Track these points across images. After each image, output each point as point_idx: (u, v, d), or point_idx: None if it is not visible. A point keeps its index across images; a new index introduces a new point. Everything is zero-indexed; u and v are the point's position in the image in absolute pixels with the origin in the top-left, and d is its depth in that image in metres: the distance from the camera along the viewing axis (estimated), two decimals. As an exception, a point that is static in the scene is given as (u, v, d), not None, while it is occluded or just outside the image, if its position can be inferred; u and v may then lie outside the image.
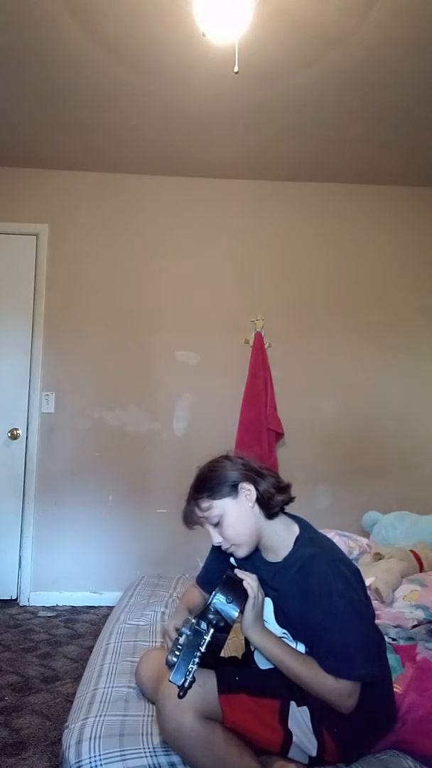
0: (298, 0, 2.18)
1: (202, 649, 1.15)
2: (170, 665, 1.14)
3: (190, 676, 1.11)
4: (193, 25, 2.22)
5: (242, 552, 1.35)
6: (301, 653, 1.26)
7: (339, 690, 1.18)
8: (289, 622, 1.31)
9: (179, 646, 1.16)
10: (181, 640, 1.17)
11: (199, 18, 2.07)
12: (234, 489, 1.34)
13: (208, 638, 1.16)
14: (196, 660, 1.13)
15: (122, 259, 3.62)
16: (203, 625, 1.19)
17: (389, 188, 3.76)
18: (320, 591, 1.22)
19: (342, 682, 1.18)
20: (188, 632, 1.18)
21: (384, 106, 2.87)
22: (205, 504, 1.33)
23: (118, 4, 2.23)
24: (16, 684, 2.31)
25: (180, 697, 1.11)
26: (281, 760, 1.20)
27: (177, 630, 1.23)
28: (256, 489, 1.35)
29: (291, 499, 1.38)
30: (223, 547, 1.35)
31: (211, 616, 1.19)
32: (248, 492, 1.34)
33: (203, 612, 1.21)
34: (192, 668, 1.12)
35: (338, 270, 3.70)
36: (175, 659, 1.14)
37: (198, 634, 1.17)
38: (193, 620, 1.21)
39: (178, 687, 1.11)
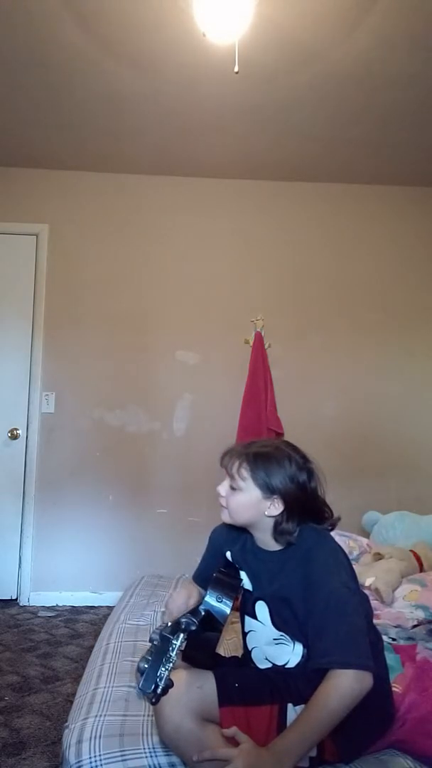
0: (298, 0, 2.18)
1: (172, 654, 1.13)
2: (141, 672, 1.13)
3: (162, 682, 1.10)
4: (193, 25, 2.22)
5: (225, 517, 1.36)
6: (305, 710, 1.14)
7: (351, 685, 1.11)
8: (285, 622, 1.30)
9: (151, 652, 1.15)
10: (154, 646, 1.16)
11: (199, 18, 2.07)
12: (269, 491, 1.28)
13: (177, 643, 1.15)
14: (169, 666, 1.12)
15: (122, 259, 3.62)
16: (171, 632, 1.17)
17: (390, 188, 3.76)
18: (323, 579, 1.22)
19: (349, 675, 1.11)
20: (157, 639, 1.17)
21: (385, 106, 2.87)
22: (242, 472, 1.30)
23: (118, 4, 2.23)
24: (16, 684, 2.31)
25: (152, 703, 1.10)
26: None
27: (159, 630, 1.21)
28: (285, 511, 1.28)
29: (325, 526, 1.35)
30: (220, 500, 1.36)
31: (183, 620, 1.18)
32: (274, 508, 1.28)
33: (180, 617, 1.20)
34: (162, 674, 1.10)
35: (338, 270, 3.70)
36: (145, 666, 1.13)
37: (166, 641, 1.16)
38: (165, 626, 1.19)
39: (150, 693, 1.10)
